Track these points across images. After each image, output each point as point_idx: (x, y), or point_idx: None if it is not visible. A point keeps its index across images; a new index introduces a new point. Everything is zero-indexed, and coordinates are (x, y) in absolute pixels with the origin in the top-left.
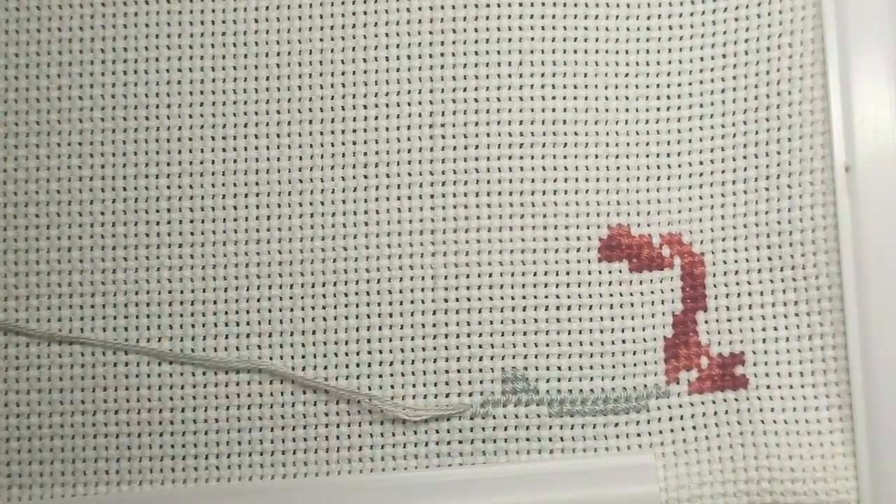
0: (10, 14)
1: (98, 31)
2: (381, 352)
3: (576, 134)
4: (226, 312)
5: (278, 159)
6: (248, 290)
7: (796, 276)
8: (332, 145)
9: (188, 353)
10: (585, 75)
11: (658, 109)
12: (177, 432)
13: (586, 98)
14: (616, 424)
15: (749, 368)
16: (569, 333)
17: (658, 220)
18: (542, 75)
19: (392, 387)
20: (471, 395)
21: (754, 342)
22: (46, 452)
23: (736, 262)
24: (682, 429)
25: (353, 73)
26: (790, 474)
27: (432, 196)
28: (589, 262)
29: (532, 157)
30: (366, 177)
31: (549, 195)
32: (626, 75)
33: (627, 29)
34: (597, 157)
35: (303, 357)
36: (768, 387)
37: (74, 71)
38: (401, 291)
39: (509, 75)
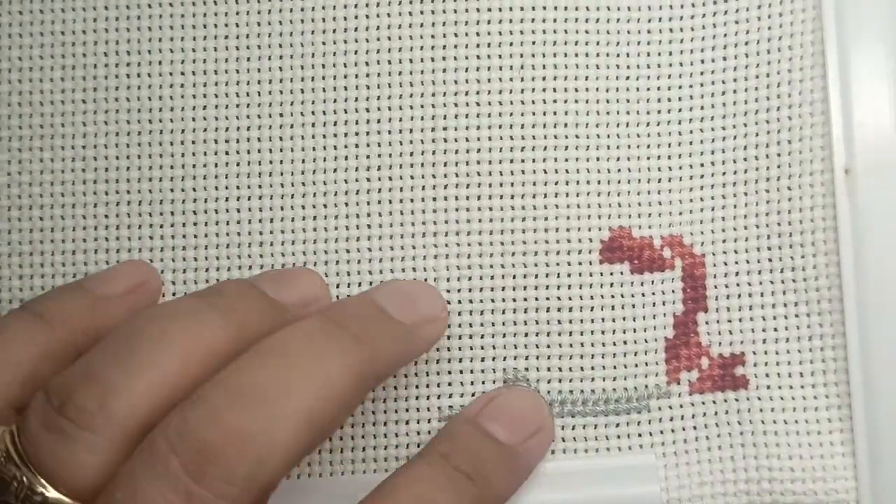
0: (13, 17)
1: (101, 34)
2: None
3: (577, 137)
4: None
5: (281, 162)
6: None
7: (796, 278)
8: (335, 148)
9: None
10: (586, 78)
11: (658, 112)
12: None
13: (587, 101)
14: (617, 425)
15: (749, 369)
16: (570, 335)
17: (659, 221)
18: (543, 78)
19: (395, 388)
20: (473, 395)
21: (755, 343)
22: None
23: (736, 263)
24: (683, 429)
25: (356, 76)
26: (790, 474)
27: (434, 199)
28: (590, 263)
29: (533, 160)
30: (368, 179)
31: (550, 197)
32: (627, 78)
33: (628, 32)
34: (598, 159)
35: None
36: (768, 387)
37: (77, 74)
38: None
39: (511, 78)
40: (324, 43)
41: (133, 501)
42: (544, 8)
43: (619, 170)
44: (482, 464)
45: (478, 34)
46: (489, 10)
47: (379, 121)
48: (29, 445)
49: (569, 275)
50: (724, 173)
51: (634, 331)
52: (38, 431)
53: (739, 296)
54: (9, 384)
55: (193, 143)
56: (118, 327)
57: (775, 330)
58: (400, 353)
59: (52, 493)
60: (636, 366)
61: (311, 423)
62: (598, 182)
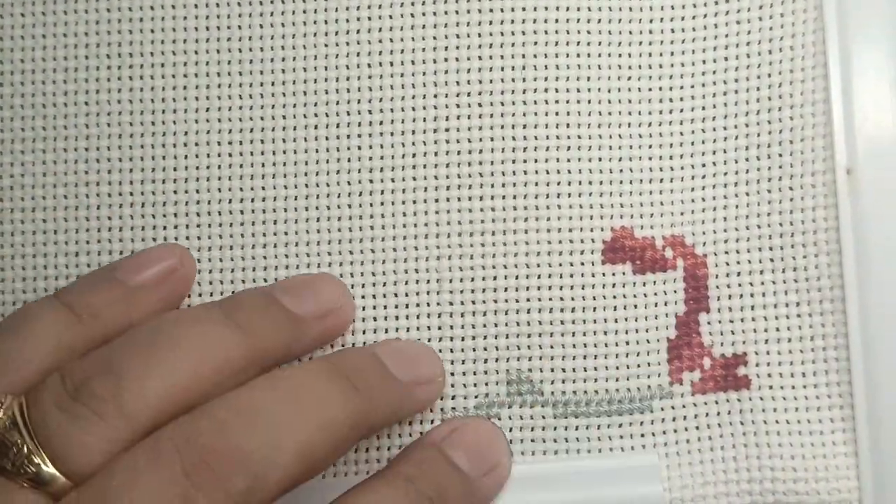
0: (16, 20)
1: (104, 36)
2: None
3: (579, 137)
4: None
5: (284, 164)
6: None
7: (798, 278)
8: (338, 150)
9: None
10: (588, 78)
11: (660, 112)
12: None
13: (589, 101)
14: (620, 425)
15: (751, 369)
16: (573, 335)
17: (661, 222)
18: (546, 78)
19: None
20: (476, 396)
21: (756, 343)
22: None
23: (738, 263)
24: (686, 429)
25: (358, 78)
26: (792, 474)
27: (437, 200)
28: (593, 264)
29: (536, 161)
30: (371, 181)
31: (552, 198)
32: (629, 78)
33: (630, 32)
34: (600, 160)
35: (309, 359)
36: (770, 387)
37: (80, 76)
38: (406, 294)
39: (513, 79)
40: (326, 45)
41: (131, 491)
42: (546, 8)
43: (620, 170)
44: (445, 491)
45: (480, 35)
46: (491, 11)
47: (381, 122)
48: (38, 418)
49: (571, 275)
50: (725, 173)
51: (637, 331)
52: (50, 409)
53: (741, 296)
54: (26, 379)
55: (197, 145)
56: (143, 325)
57: (777, 330)
58: (395, 408)
59: (48, 468)
60: (638, 366)
61: (307, 455)
62: (600, 182)
